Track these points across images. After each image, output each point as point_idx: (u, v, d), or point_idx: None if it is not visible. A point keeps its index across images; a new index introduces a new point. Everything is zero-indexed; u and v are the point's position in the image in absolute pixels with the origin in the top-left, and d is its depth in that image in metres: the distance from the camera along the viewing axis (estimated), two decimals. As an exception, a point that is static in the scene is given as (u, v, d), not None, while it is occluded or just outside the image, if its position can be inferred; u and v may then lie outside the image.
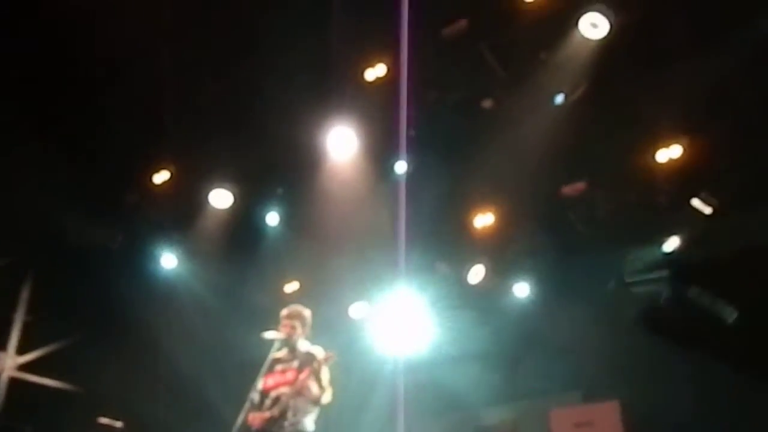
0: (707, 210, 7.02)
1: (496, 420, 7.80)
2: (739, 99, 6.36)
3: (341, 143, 8.14)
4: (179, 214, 8.92)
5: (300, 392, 5.60)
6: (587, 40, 6.80)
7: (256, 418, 5.59)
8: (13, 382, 8.63)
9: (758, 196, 6.70)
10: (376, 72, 7.86)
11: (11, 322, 8.83)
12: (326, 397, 5.70)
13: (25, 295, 8.92)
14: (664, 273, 6.99)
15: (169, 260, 8.93)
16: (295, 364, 5.82)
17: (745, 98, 6.33)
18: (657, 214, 7.29)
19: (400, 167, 7.88)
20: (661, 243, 7.28)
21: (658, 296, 6.80)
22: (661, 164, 7.06)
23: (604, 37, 6.73)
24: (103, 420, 8.31)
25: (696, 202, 7.04)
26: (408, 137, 7.61)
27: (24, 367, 8.78)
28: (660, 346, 6.60)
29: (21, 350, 8.82)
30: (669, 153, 7.00)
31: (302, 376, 5.65)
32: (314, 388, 5.63)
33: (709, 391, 6.36)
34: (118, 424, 8.31)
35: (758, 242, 6.43)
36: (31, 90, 7.53)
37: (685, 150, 6.92)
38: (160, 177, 8.84)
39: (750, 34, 6.40)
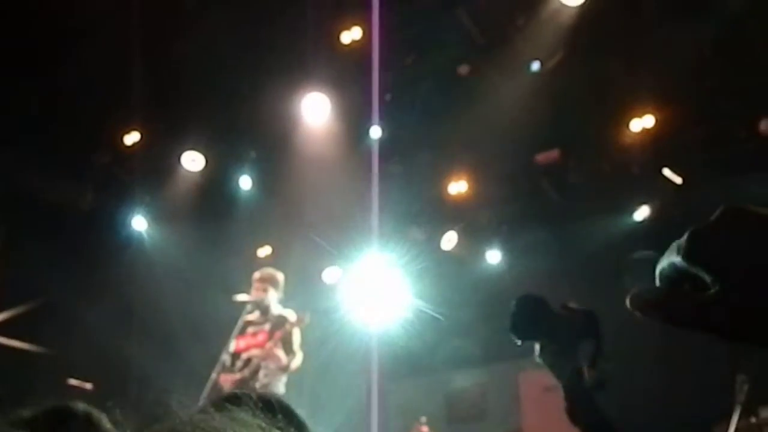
0: (678, 180, 7.12)
1: (466, 383, 7.92)
2: (714, 70, 6.41)
3: (316, 107, 8.07)
4: (150, 175, 8.81)
5: (267, 358, 5.64)
6: (565, 6, 6.78)
7: (227, 380, 5.62)
8: (-19, 344, 8.55)
9: (727, 167, 6.80)
10: (351, 35, 7.76)
11: (-22, 283, 8.71)
12: (295, 362, 5.75)
13: (-8, 256, 8.80)
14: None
15: (140, 222, 8.85)
16: (267, 326, 5.85)
17: (720, 69, 6.38)
18: (629, 183, 7.37)
19: (375, 132, 7.85)
20: (632, 211, 7.38)
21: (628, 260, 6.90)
22: (635, 134, 7.12)
23: (582, 4, 6.71)
24: (73, 381, 8.27)
25: (667, 172, 7.12)
26: (383, 102, 7.57)
27: (-8, 329, 8.70)
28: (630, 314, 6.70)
29: (-12, 311, 8.72)
30: (642, 123, 7.05)
31: (269, 344, 5.68)
32: (282, 355, 5.67)
33: (680, 357, 6.51)
34: (88, 385, 8.28)
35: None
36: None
37: (657, 120, 6.98)
38: (131, 138, 8.70)
39: (726, 4, 6.43)
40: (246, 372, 5.64)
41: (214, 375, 5.53)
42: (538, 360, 1.82)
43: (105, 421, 1.84)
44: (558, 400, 1.85)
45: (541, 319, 1.88)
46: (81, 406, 1.83)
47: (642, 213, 7.37)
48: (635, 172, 7.37)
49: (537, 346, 1.90)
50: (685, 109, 6.84)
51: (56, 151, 8.15)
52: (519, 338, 1.91)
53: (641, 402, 6.07)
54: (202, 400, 5.14)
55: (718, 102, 6.70)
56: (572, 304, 1.97)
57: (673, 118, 6.93)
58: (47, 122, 7.92)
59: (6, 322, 8.77)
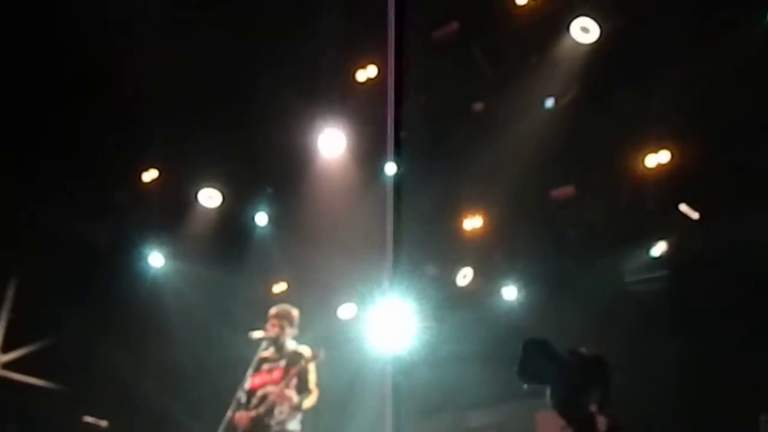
0: (695, 215, 7.07)
1: (483, 422, 7.80)
2: (727, 105, 6.41)
3: (331, 144, 8.14)
4: (168, 213, 8.88)
5: (280, 400, 5.60)
6: (578, 44, 6.83)
7: (242, 418, 5.59)
8: (-3, 380, 8.57)
9: (745, 201, 6.75)
10: (367, 73, 7.86)
11: (-4, 319, 8.77)
12: (310, 401, 5.70)
13: (9, 293, 8.85)
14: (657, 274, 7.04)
15: (156, 259, 8.89)
16: (282, 363, 5.82)
17: (733, 104, 6.38)
18: (645, 219, 7.33)
19: (390, 169, 7.88)
20: (649, 247, 7.32)
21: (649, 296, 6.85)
22: (650, 169, 7.10)
23: (595, 42, 6.76)
24: (88, 419, 8.25)
25: (684, 207, 7.08)
26: (398, 139, 7.61)
27: (8, 366, 8.71)
28: (649, 347, 6.62)
29: (5, 348, 8.75)
30: (657, 158, 7.04)
31: (289, 375, 5.65)
32: (293, 395, 5.63)
33: (703, 397, 6.40)
34: (103, 423, 8.26)
35: (744, 247, 6.47)
36: (17, 88, 7.48)
37: (673, 155, 6.96)
38: (149, 175, 8.80)
39: (739, 40, 6.46)
40: (261, 409, 5.60)
41: (230, 412, 5.50)
42: (548, 404, 1.81)
43: None
44: (576, 440, 1.83)
45: (547, 364, 1.87)
46: None
47: (659, 249, 7.32)
48: (651, 208, 7.33)
49: (548, 390, 1.89)
50: (701, 143, 6.82)
51: (74, 189, 8.25)
52: (525, 382, 1.91)
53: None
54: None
55: (733, 137, 6.68)
56: (583, 349, 1.97)
57: (689, 153, 6.90)
58: (65, 161, 8.03)
59: (22, 358, 8.79)
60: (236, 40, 7.88)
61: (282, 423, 5.60)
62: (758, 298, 6.33)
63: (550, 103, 7.30)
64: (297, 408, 5.65)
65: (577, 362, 1.92)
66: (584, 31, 6.75)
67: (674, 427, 6.39)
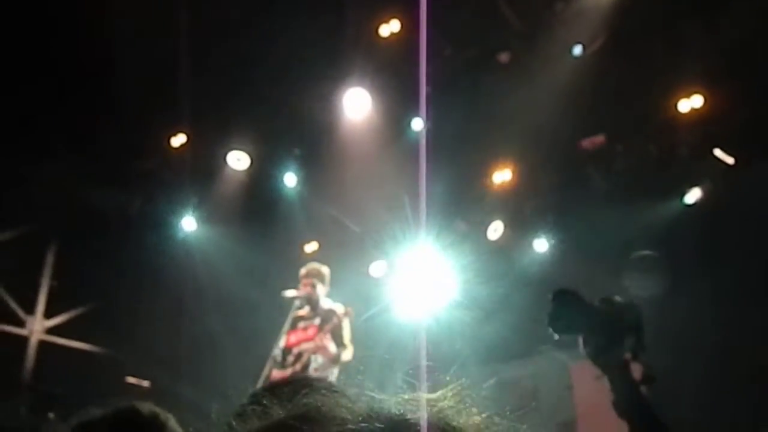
0: (730, 160, 6.92)
1: (518, 373, 7.86)
2: (757, 49, 6.21)
3: (357, 102, 8.09)
4: (197, 176, 8.95)
5: (317, 351, 5.68)
6: (605, -11, 6.65)
7: (278, 375, 5.68)
8: (42, 345, 8.82)
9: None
10: (390, 28, 7.75)
11: (38, 287, 8.98)
12: (347, 354, 5.78)
13: (49, 260, 9.06)
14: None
15: (189, 223, 9.00)
16: (317, 320, 5.90)
17: (764, 48, 6.17)
18: (678, 166, 7.20)
19: (417, 124, 7.82)
20: (683, 195, 7.21)
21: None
22: (683, 114, 6.94)
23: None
24: (131, 380, 8.48)
25: (718, 153, 6.93)
26: (424, 94, 7.54)
27: (52, 331, 8.96)
28: (684, 297, 6.55)
29: (48, 314, 8.99)
30: (691, 103, 6.87)
31: (323, 331, 5.73)
32: (332, 346, 5.70)
33: (734, 355, 6.34)
34: (145, 383, 8.48)
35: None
36: (46, 55, 7.53)
37: (706, 100, 6.80)
38: (177, 140, 8.85)
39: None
40: (297, 366, 5.70)
41: (266, 369, 5.60)
42: (582, 354, 1.80)
43: (172, 422, 1.87)
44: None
45: (578, 313, 1.86)
46: (147, 406, 1.86)
47: (693, 196, 7.19)
48: (684, 155, 7.19)
49: (580, 340, 1.88)
50: (734, 87, 6.64)
51: (104, 158, 8.34)
52: (556, 332, 1.90)
53: (690, 397, 5.94)
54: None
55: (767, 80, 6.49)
56: (617, 298, 1.95)
57: (722, 97, 6.73)
58: (94, 129, 8.10)
59: (65, 324, 9.04)
60: (258, 4, 7.80)
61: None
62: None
63: (578, 50, 7.15)
64: (335, 360, 5.72)
65: (609, 310, 1.90)
66: (612, -25, 6.57)
67: (705, 377, 6.36)
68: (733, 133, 6.90)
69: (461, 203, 8.23)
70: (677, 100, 6.90)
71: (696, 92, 6.82)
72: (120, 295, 8.64)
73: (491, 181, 8.05)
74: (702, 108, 6.82)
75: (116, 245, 8.49)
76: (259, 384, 5.53)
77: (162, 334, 8.35)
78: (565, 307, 1.88)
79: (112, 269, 8.40)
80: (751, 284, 6.41)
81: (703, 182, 7.12)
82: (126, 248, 8.54)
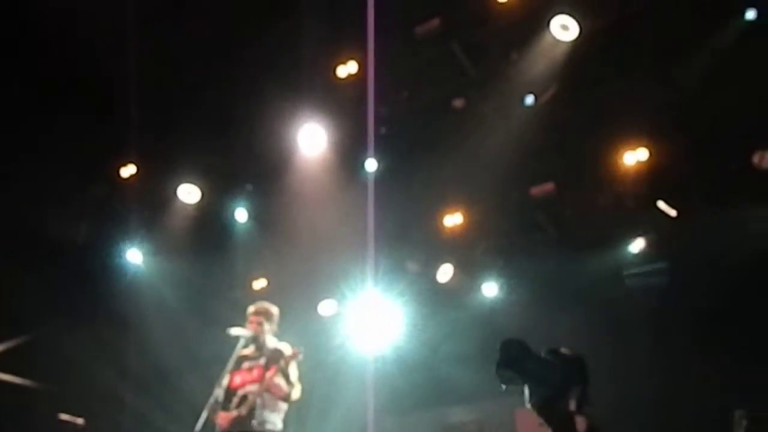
0: (673, 212, 7.13)
1: (463, 418, 7.84)
2: (707, 104, 6.46)
3: (312, 140, 8.10)
4: (146, 208, 8.80)
5: (268, 389, 5.58)
6: (558, 41, 6.85)
7: (223, 418, 5.54)
8: (-28, 378, 8.46)
9: (721, 200, 6.82)
10: (347, 69, 7.83)
11: (-29, 316, 8.64)
12: (295, 393, 5.68)
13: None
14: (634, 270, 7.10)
15: (135, 255, 8.81)
16: (262, 361, 5.79)
17: (711, 104, 6.43)
18: (624, 216, 7.38)
19: (370, 165, 7.86)
20: (628, 244, 7.38)
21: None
22: (629, 167, 7.14)
23: (575, 40, 6.79)
24: (64, 417, 8.16)
25: (662, 205, 7.14)
26: (378, 135, 7.61)
27: (-16, 363, 8.61)
28: (628, 345, 6.67)
29: (-19, 345, 8.64)
30: (636, 156, 7.08)
31: (269, 373, 5.62)
32: (283, 384, 5.61)
33: (677, 394, 6.45)
34: (80, 420, 8.17)
35: (720, 245, 6.54)
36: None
37: (651, 153, 7.02)
38: (127, 170, 8.72)
39: (715, 43, 6.51)
40: (243, 410, 5.56)
41: (206, 411, 5.45)
42: (527, 405, 1.81)
43: None
44: (554, 436, 1.82)
45: (526, 364, 1.87)
46: None
47: (637, 245, 7.37)
48: (630, 205, 7.39)
49: (526, 391, 1.89)
50: (678, 142, 6.88)
51: (51, 184, 8.15)
52: (503, 382, 1.90)
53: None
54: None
55: (712, 135, 6.74)
56: (563, 350, 1.96)
57: (667, 151, 6.96)
58: (43, 155, 7.93)
59: (-1, 355, 8.69)
60: (216, 36, 7.82)
61: (263, 423, 5.56)
62: (732, 296, 6.40)
63: (530, 100, 7.33)
64: (286, 398, 5.62)
65: (556, 361, 1.92)
66: (564, 28, 6.78)
67: (649, 424, 6.45)
68: (676, 186, 7.12)
69: (412, 244, 8.26)
70: (623, 153, 7.11)
71: (641, 145, 7.04)
72: (58, 327, 8.37)
73: (442, 224, 8.12)
74: (647, 161, 7.03)
75: (58, 274, 8.24)
76: (199, 425, 5.38)
77: (101, 369, 8.09)
78: (513, 357, 1.89)
79: (52, 299, 8.15)
80: (694, 332, 6.57)
81: (647, 233, 7.30)
82: (68, 278, 8.30)
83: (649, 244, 7.31)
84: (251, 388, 5.66)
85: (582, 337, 6.70)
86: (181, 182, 8.59)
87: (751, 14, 6.43)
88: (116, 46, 7.55)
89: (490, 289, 8.08)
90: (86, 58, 7.55)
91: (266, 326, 5.91)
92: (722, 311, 6.43)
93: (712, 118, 6.51)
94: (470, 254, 8.22)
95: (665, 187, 7.13)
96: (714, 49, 6.41)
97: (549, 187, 7.62)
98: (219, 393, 5.56)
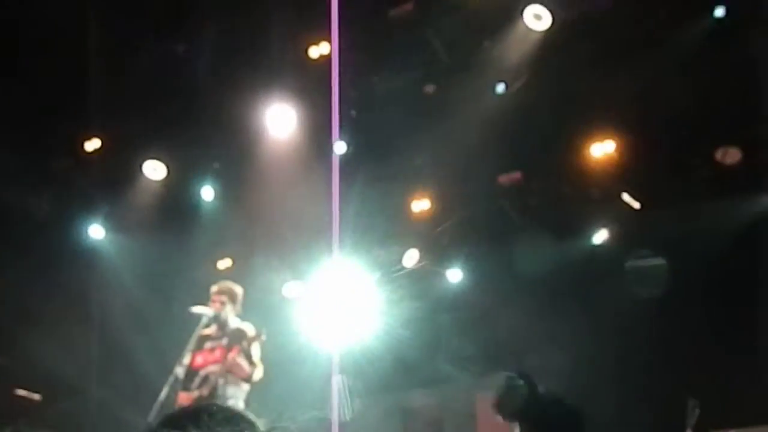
0: (636, 205, 7.24)
1: (424, 402, 7.90)
2: (674, 99, 6.55)
3: (281, 120, 8.04)
4: (110, 183, 8.66)
5: (230, 370, 5.56)
6: (531, 31, 6.88)
7: (184, 399, 5.51)
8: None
9: (684, 194, 6.95)
10: (320, 50, 7.77)
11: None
12: (258, 374, 5.67)
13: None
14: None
15: (97, 231, 8.67)
16: (224, 341, 5.76)
17: (680, 99, 6.53)
18: (589, 207, 7.47)
19: (339, 148, 7.83)
20: (591, 235, 7.48)
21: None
22: (596, 158, 7.23)
23: (547, 30, 6.82)
24: (21, 392, 8.04)
25: (626, 197, 7.24)
26: (348, 118, 7.57)
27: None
28: (588, 329, 6.78)
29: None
30: (603, 148, 7.17)
31: (231, 354, 5.60)
32: (245, 364, 5.59)
33: (633, 381, 6.57)
34: (36, 396, 8.06)
35: (681, 238, 6.67)
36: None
37: (618, 146, 7.11)
38: (92, 144, 8.55)
39: (685, 36, 6.60)
40: (204, 390, 5.54)
41: (166, 389, 5.41)
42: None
43: None
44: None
45: (529, 405, 1.87)
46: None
47: (600, 236, 7.48)
48: (595, 196, 7.48)
49: (517, 427, 1.89)
50: (644, 136, 6.98)
51: (12, 156, 7.96)
52: (504, 417, 1.90)
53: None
54: (153, 416, 5.03)
55: (677, 130, 6.85)
56: (567, 401, 1.97)
57: (633, 144, 7.06)
58: (3, 127, 7.74)
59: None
60: (186, 9, 7.69)
61: (225, 403, 5.54)
62: (690, 289, 6.54)
63: (501, 88, 7.35)
64: (247, 379, 5.60)
65: (557, 412, 1.92)
66: (537, 18, 6.81)
67: (603, 416, 6.57)
68: (640, 179, 7.23)
69: (379, 229, 8.27)
70: (591, 144, 7.18)
71: (609, 138, 7.12)
72: (16, 302, 8.21)
73: (410, 209, 8.13)
74: (613, 153, 7.12)
75: (18, 248, 8.08)
76: (157, 403, 5.34)
77: (59, 345, 7.97)
78: (517, 394, 1.88)
79: (11, 274, 8.00)
80: (652, 326, 6.70)
81: (610, 224, 7.41)
82: (28, 252, 8.15)
83: (611, 236, 7.42)
84: (213, 368, 5.64)
85: (545, 323, 6.80)
86: (147, 158, 8.46)
87: (720, 11, 6.54)
88: (84, 24, 7.39)
89: (455, 275, 8.14)
90: (52, 33, 7.37)
91: (229, 306, 5.88)
92: (679, 302, 6.57)
93: (678, 112, 6.61)
94: (436, 240, 8.26)
95: (630, 179, 7.23)
96: (683, 43, 6.50)
97: (517, 175, 7.68)
98: (180, 371, 5.52)
